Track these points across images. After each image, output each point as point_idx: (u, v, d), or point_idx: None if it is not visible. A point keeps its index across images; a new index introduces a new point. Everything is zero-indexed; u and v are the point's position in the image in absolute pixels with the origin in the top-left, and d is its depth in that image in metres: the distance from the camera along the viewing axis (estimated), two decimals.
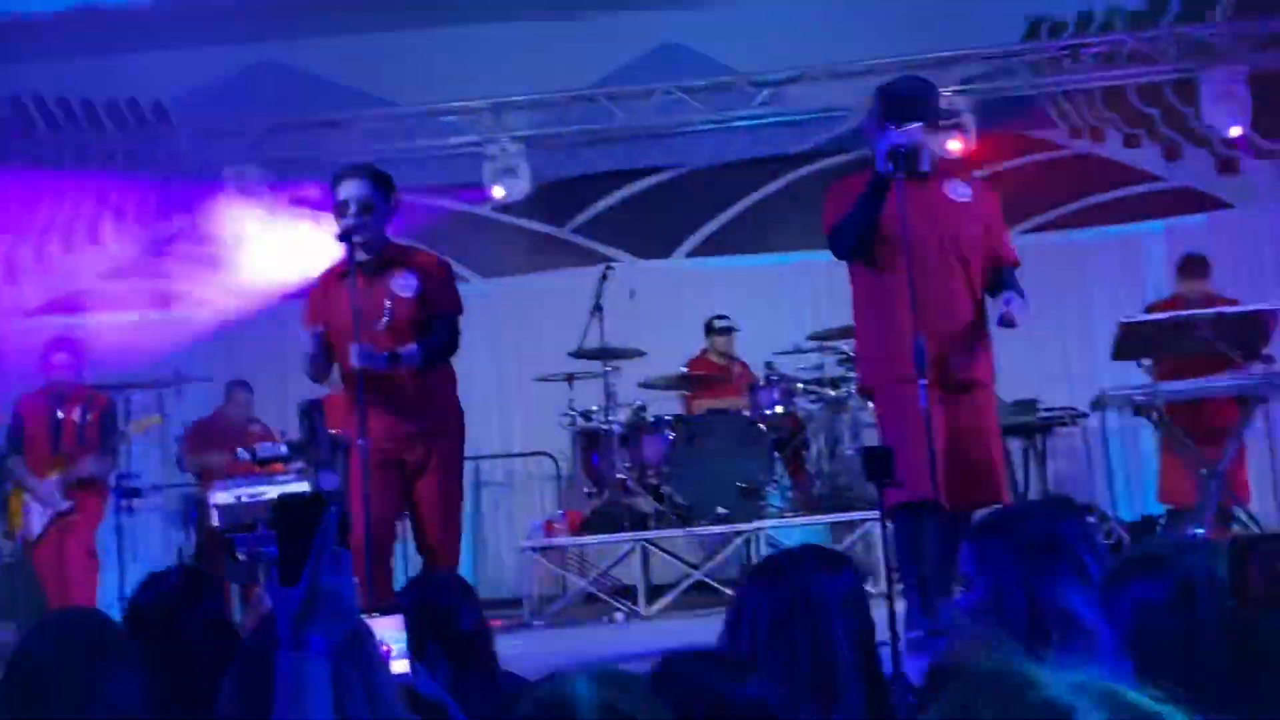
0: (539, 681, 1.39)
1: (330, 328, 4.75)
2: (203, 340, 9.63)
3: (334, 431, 6.57)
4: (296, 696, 1.56)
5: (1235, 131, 8.71)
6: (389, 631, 2.36)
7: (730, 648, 2.25)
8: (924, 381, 4.35)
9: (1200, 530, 6.44)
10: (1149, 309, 7.46)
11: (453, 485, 4.88)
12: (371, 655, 1.99)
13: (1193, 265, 7.60)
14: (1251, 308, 7.05)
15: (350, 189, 4.73)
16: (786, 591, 2.25)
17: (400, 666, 2.33)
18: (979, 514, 4.17)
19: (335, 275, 4.83)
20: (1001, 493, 4.75)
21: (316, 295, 4.90)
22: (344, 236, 4.67)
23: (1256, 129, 9.22)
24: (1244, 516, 6.76)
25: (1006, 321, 4.67)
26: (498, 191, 9.35)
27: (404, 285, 4.79)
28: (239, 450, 6.87)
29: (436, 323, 4.85)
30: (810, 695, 2.14)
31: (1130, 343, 6.72)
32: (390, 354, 4.66)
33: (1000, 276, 4.81)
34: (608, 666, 1.40)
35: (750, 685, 1.83)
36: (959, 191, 4.78)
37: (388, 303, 4.73)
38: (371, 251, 4.76)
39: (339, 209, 4.74)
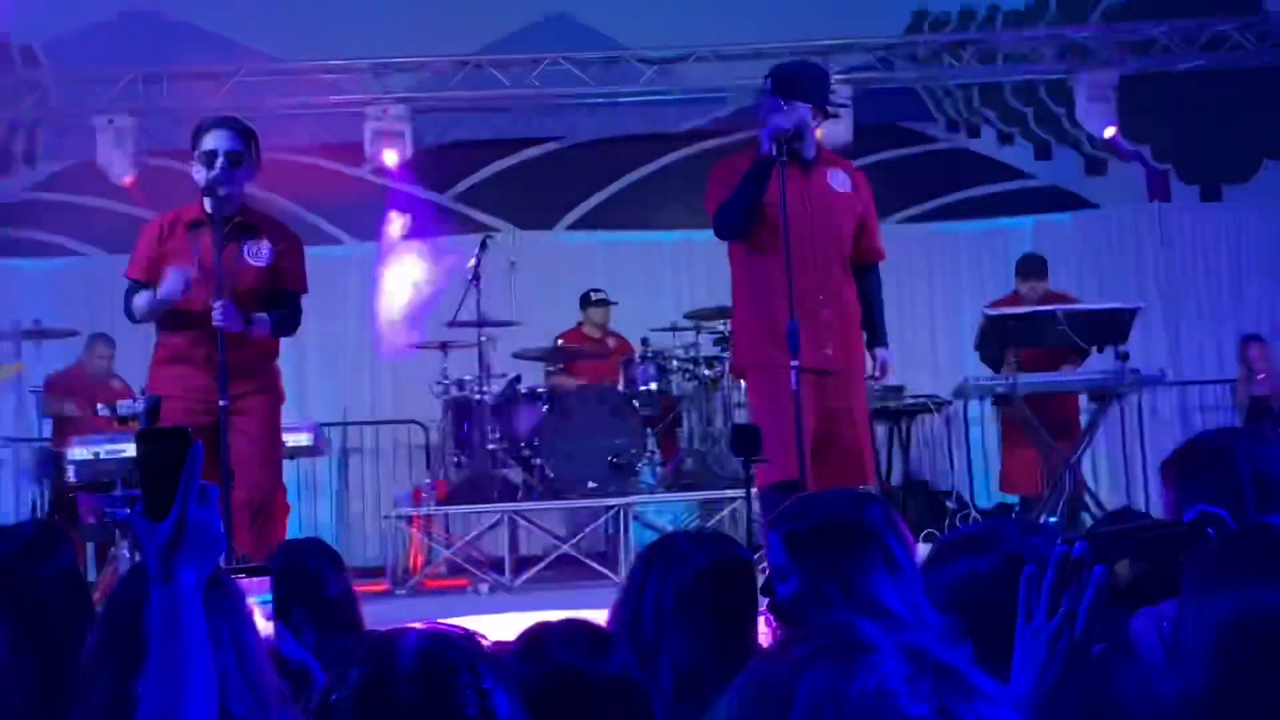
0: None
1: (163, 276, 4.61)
2: (65, 291, 9.36)
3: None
4: (171, 630, 1.54)
5: (1109, 132, 8.98)
6: (256, 592, 2.34)
7: (626, 625, 2.30)
8: (795, 364, 4.42)
9: (1054, 519, 6.68)
10: (991, 305, 7.69)
11: (273, 445, 4.78)
12: (240, 611, 1.98)
13: (1032, 265, 7.87)
14: (1110, 305, 7.33)
15: (218, 139, 4.59)
16: (692, 571, 2.33)
17: (265, 628, 2.32)
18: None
19: (183, 224, 4.68)
20: (868, 476, 4.86)
21: (152, 240, 4.71)
22: (209, 189, 4.53)
23: (1123, 132, 9.53)
24: (1092, 504, 7.02)
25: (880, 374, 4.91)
26: (389, 157, 9.19)
27: (255, 253, 4.68)
28: (99, 405, 6.67)
29: (284, 297, 4.77)
30: (714, 668, 2.19)
31: (992, 334, 6.92)
32: (246, 318, 4.56)
33: (865, 278, 4.92)
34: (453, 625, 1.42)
35: (613, 661, 1.85)
36: (840, 181, 4.86)
37: (235, 266, 4.59)
38: (230, 209, 4.61)
39: (204, 158, 4.58)
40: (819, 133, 4.88)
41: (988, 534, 1.94)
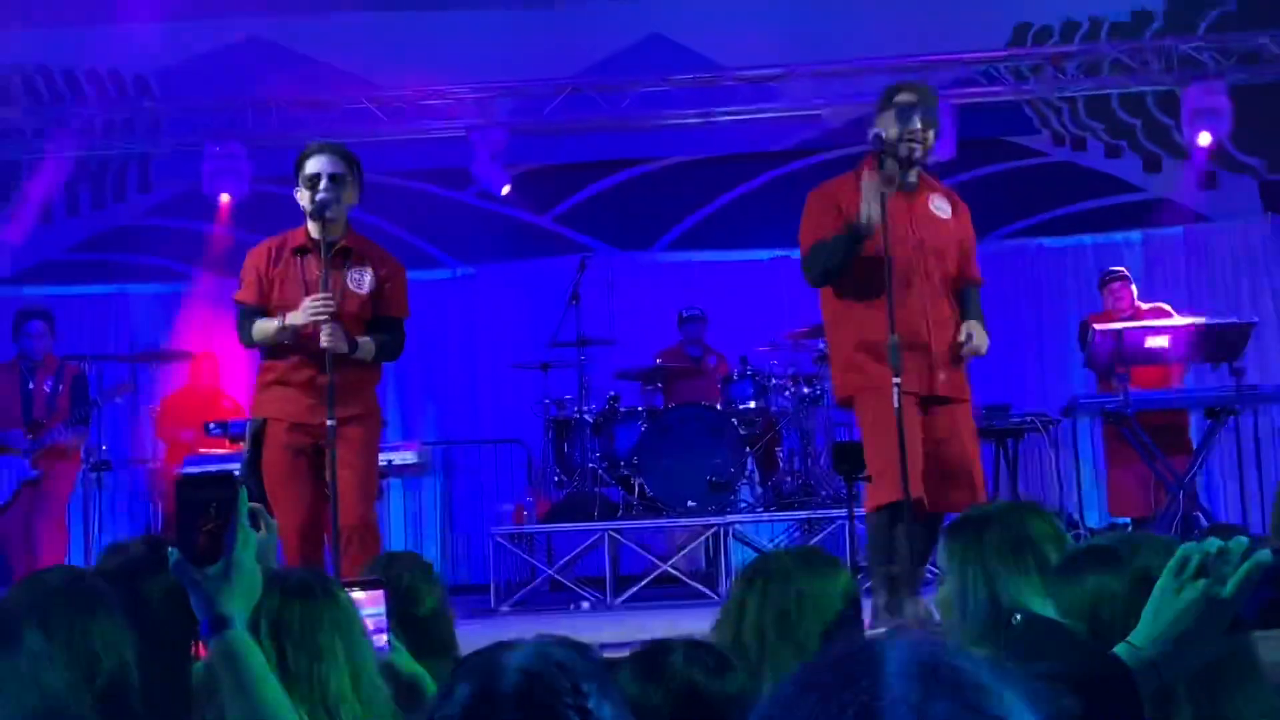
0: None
1: (273, 300, 4.68)
2: (176, 314, 9.60)
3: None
4: (238, 676, 1.53)
5: (1205, 139, 8.75)
6: (369, 606, 2.36)
7: (727, 644, 2.28)
8: (898, 380, 4.36)
9: None
10: (1082, 324, 7.55)
11: (370, 471, 4.78)
12: (353, 624, 1.99)
13: (1116, 279, 7.70)
14: (1225, 320, 7.13)
15: (322, 163, 4.64)
16: (793, 591, 2.32)
17: (379, 640, 2.34)
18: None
19: (290, 249, 4.74)
20: (979, 494, 4.77)
21: (260, 264, 4.75)
22: (318, 211, 4.59)
23: (1235, 144, 9.29)
24: (1205, 524, 6.82)
25: (967, 355, 4.74)
26: (505, 189, 9.35)
27: (359, 280, 4.71)
28: (209, 424, 6.82)
29: (387, 323, 4.79)
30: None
31: (1103, 351, 6.77)
32: (351, 340, 4.61)
33: (964, 299, 4.86)
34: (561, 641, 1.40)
35: (733, 681, 1.84)
36: (940, 207, 4.81)
37: (340, 292, 4.63)
38: (335, 234, 4.67)
39: (309, 182, 4.64)
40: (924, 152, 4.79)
41: (1118, 547, 1.90)
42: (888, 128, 4.65)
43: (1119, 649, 1.56)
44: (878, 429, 4.59)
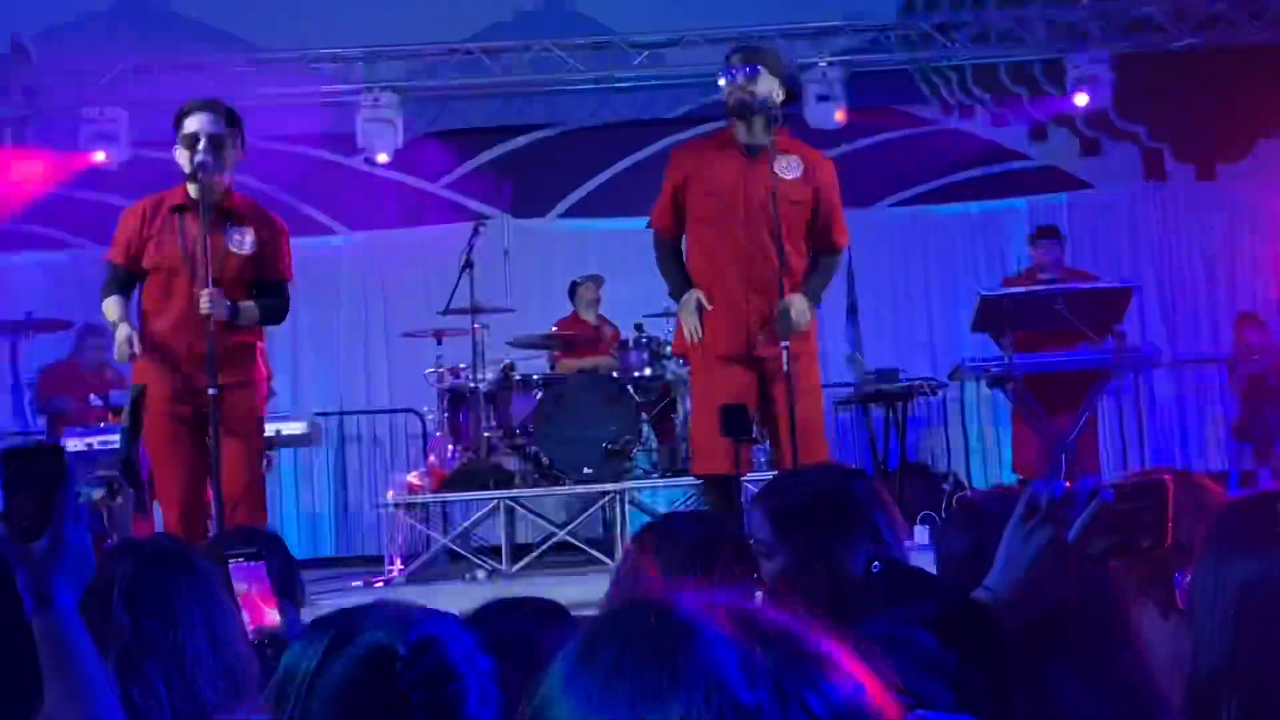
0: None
1: (147, 259, 4.57)
2: (56, 283, 9.32)
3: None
4: (60, 654, 1.49)
5: (1082, 100, 8.93)
6: (251, 579, 2.31)
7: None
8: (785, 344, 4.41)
9: None
10: (1006, 282, 7.66)
11: (253, 439, 4.71)
12: (215, 595, 1.95)
13: (1046, 236, 7.82)
14: (1106, 285, 7.30)
15: (201, 122, 4.52)
16: (688, 548, 2.31)
17: (271, 614, 2.29)
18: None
19: (167, 208, 4.62)
20: (823, 451, 4.80)
21: (135, 224, 4.63)
22: (195, 172, 4.47)
23: (1118, 112, 9.50)
24: None
25: (782, 333, 4.57)
26: (380, 157, 9.19)
27: (240, 241, 4.62)
28: (91, 396, 6.65)
29: (269, 286, 4.70)
30: None
31: (989, 316, 6.89)
32: (233, 306, 4.52)
33: (813, 265, 4.83)
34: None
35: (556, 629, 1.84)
36: (789, 167, 4.72)
37: (220, 253, 4.53)
38: (214, 194, 4.54)
39: (186, 141, 4.52)
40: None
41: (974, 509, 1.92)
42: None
43: (976, 593, 1.60)
44: (701, 398, 4.77)
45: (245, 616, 2.14)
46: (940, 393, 8.02)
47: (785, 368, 4.47)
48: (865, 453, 8.39)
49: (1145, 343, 7.77)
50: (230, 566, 2.21)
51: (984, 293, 6.90)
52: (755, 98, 4.63)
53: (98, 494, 2.20)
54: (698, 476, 4.95)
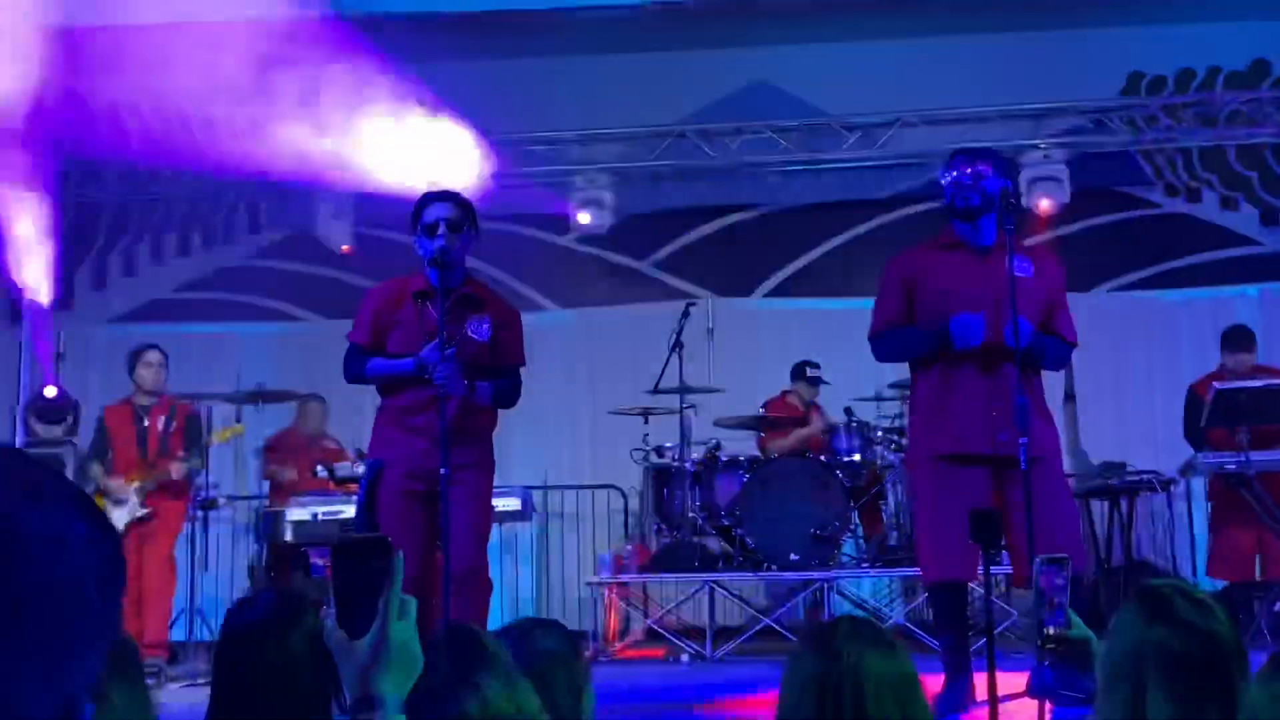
0: None
1: (390, 345, 4.71)
2: (283, 355, 9.71)
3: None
4: None
5: None
6: None
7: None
8: (1024, 440, 4.23)
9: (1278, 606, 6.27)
10: (1192, 386, 7.32)
11: (480, 520, 4.76)
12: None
13: (1239, 337, 7.46)
14: None
15: (440, 211, 4.68)
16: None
17: None
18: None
19: (409, 293, 4.76)
20: (1081, 555, 4.63)
21: (380, 307, 4.79)
22: (436, 258, 4.61)
23: None
24: None
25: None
26: (582, 218, 9.35)
27: (477, 328, 4.74)
28: (317, 467, 6.87)
29: (504, 371, 4.81)
30: None
31: (1223, 410, 6.57)
32: (469, 385, 4.61)
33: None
34: None
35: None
36: (1019, 267, 4.62)
37: (459, 339, 4.65)
38: (453, 281, 4.70)
39: (427, 230, 4.68)
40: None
41: None
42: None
43: None
44: (930, 503, 4.65)
45: None
46: (1168, 488, 7.64)
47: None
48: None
49: None
50: None
51: (1220, 386, 6.58)
52: (989, 203, 4.63)
53: None
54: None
